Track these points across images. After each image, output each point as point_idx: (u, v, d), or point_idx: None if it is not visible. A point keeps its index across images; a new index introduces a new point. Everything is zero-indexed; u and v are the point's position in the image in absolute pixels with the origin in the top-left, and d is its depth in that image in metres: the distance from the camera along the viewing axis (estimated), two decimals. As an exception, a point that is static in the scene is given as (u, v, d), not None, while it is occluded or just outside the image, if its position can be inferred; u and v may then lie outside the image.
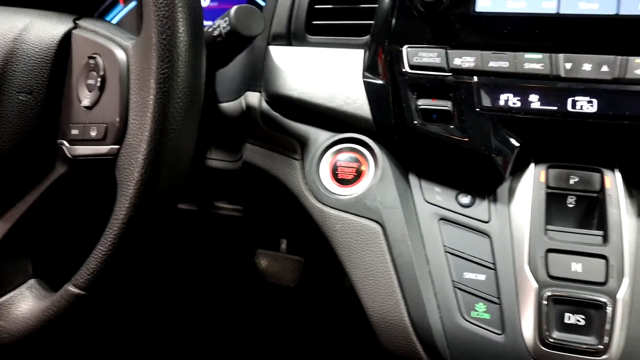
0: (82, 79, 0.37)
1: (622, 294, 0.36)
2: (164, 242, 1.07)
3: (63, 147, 0.37)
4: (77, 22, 0.39)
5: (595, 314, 0.36)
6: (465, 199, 0.42)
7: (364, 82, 0.44)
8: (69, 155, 0.37)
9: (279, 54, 0.48)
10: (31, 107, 0.38)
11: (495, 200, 0.41)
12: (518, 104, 0.40)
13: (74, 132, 0.37)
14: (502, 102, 0.40)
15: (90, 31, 0.38)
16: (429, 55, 0.41)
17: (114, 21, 0.74)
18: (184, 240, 1.08)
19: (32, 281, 0.40)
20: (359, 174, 0.44)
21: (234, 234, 1.16)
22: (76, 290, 0.34)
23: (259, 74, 0.49)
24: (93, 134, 0.35)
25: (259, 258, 1.16)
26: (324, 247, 0.85)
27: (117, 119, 0.34)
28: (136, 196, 0.32)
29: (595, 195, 0.39)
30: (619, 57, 0.38)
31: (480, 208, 0.41)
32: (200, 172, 0.54)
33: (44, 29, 0.38)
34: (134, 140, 0.32)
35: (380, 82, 0.43)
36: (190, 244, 1.10)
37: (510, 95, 0.40)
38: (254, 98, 0.49)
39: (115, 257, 0.34)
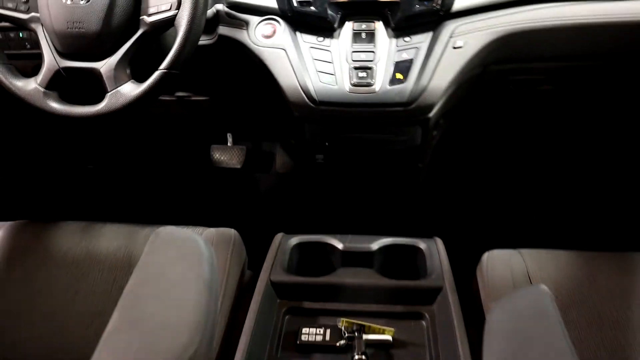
0: None
1: (378, 65, 0.91)
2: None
3: (145, 17, 0.86)
4: None
5: (370, 72, 0.90)
6: (320, 38, 0.95)
7: None
8: (148, 21, 0.86)
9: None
10: (129, 1, 0.86)
11: (332, 37, 0.95)
12: (341, -4, 0.94)
13: (152, 10, 0.86)
14: (333, -5, 0.94)
15: None
16: (300, -23, 0.94)
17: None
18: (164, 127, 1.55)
19: (132, 80, 0.88)
20: (273, 33, 0.96)
21: (194, 133, 1.63)
22: (163, 70, 0.84)
23: (222, -6, 1.00)
24: (165, 8, 0.84)
25: (213, 151, 1.64)
26: (260, 138, 1.45)
27: (176, 0, 0.83)
28: (188, 28, 0.81)
29: (373, 31, 0.94)
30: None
31: (327, 41, 0.95)
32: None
33: None
34: (185, 6, 0.82)
35: (280, -10, 0.96)
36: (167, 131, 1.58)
37: (336, -8, 0.94)
38: (220, 6, 0.99)
39: (179, 55, 0.83)
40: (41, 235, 0.98)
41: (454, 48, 0.91)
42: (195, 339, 0.41)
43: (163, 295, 0.46)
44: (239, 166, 1.61)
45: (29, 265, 0.93)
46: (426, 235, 0.99)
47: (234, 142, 1.63)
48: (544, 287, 0.53)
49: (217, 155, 1.62)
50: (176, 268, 0.49)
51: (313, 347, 0.81)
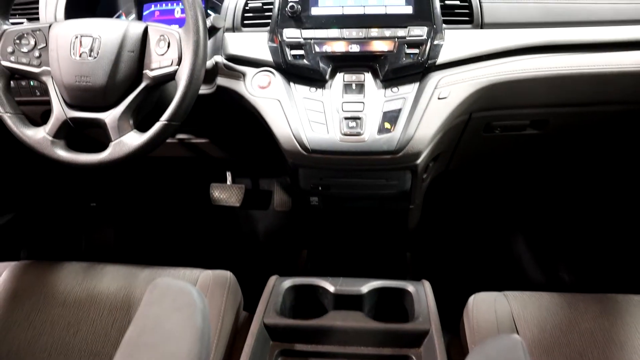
0: (157, 44, 0.92)
1: (367, 115, 0.96)
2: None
3: (147, 72, 0.92)
4: (147, 24, 0.94)
5: (359, 121, 0.96)
6: (313, 89, 1.00)
7: (268, 45, 1.03)
8: (150, 75, 0.92)
9: (229, 36, 1.06)
10: (133, 58, 0.92)
11: (324, 88, 1.01)
12: (329, 50, 1.00)
13: (154, 65, 0.92)
14: (323, 49, 0.99)
15: (156, 26, 0.93)
16: (293, 32, 1.00)
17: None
18: (165, 171, 1.60)
19: (135, 129, 0.93)
20: (269, 84, 1.02)
21: (194, 172, 1.68)
22: (165, 122, 0.89)
23: (220, 46, 1.06)
24: (166, 63, 0.90)
25: (212, 189, 1.68)
26: (258, 176, 1.50)
27: (177, 57, 0.90)
28: (188, 83, 0.87)
29: (362, 82, 1.00)
30: (365, 29, 0.99)
31: (319, 92, 1.00)
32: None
33: (135, 26, 0.93)
34: (185, 63, 0.88)
35: (274, 44, 1.02)
36: (167, 174, 1.63)
37: (326, 46, 1.00)
38: (218, 57, 1.06)
39: (179, 108, 0.88)
40: (44, 276, 1.01)
41: (439, 98, 0.97)
42: None
43: (159, 345, 0.50)
44: (237, 204, 1.65)
45: (32, 304, 0.96)
46: (415, 277, 1.02)
47: (233, 181, 1.67)
48: (516, 336, 0.56)
49: (217, 193, 1.66)
50: (171, 319, 0.53)
51: (303, 388, 0.84)
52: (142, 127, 0.94)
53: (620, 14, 0.99)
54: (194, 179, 1.68)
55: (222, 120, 1.22)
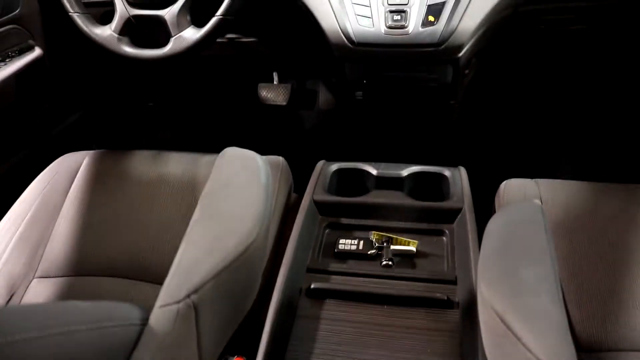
0: None
1: (412, 8, 0.99)
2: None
3: None
4: None
5: (404, 14, 0.99)
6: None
7: None
8: None
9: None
10: None
11: None
12: None
13: None
14: None
15: None
16: None
17: None
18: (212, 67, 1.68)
19: (192, 25, 1.01)
20: None
21: (242, 73, 1.75)
22: (220, 16, 0.96)
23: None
24: None
25: (260, 89, 1.76)
26: (304, 77, 1.56)
27: None
28: None
29: None
30: None
31: None
32: None
33: None
34: None
35: None
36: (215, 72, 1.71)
37: None
38: None
39: (233, 2, 0.94)
40: (119, 161, 1.15)
41: (484, -10, 0.98)
42: (257, 226, 0.56)
43: (232, 195, 0.61)
44: (284, 103, 1.73)
45: (112, 184, 1.10)
46: (452, 164, 1.10)
47: (280, 81, 1.75)
48: (536, 201, 0.64)
49: (264, 92, 1.74)
50: (241, 176, 0.63)
51: (348, 254, 0.96)
52: (198, 24, 1.01)
53: None
54: (242, 79, 1.76)
55: (271, 17, 1.27)
